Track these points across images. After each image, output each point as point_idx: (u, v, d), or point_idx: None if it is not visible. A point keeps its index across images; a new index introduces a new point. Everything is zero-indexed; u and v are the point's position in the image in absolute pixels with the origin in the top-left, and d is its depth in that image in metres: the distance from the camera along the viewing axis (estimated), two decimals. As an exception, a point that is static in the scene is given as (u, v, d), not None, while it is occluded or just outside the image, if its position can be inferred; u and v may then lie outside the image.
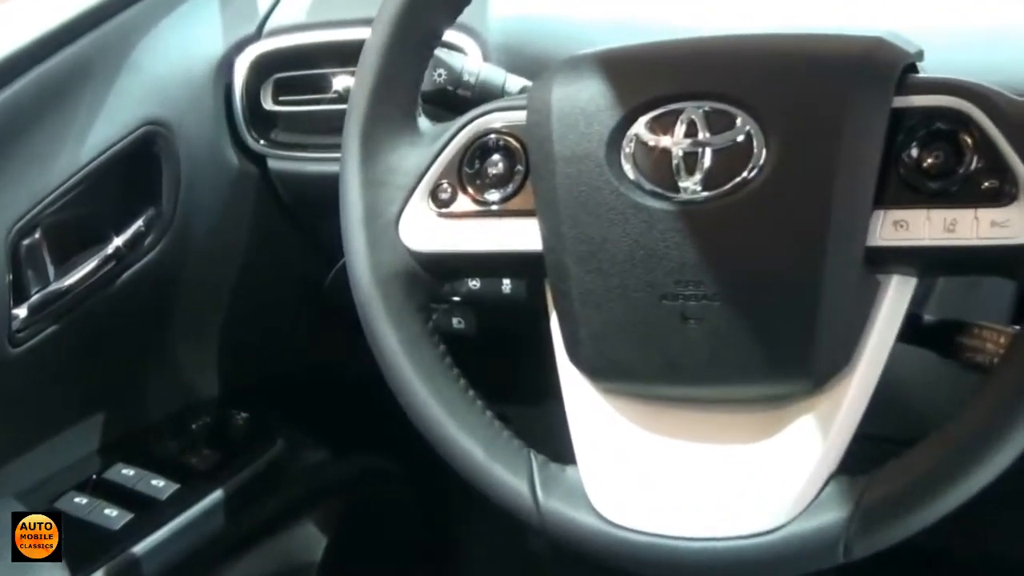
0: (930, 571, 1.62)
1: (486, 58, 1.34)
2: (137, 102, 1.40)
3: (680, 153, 0.94)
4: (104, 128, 1.36)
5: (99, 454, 1.54)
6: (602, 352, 0.99)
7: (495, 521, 1.07)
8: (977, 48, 1.16)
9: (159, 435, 1.59)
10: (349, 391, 1.56)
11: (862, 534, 0.91)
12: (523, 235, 1.02)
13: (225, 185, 1.51)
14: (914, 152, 0.92)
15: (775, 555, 0.93)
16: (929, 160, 0.91)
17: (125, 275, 1.42)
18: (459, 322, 1.36)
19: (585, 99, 0.98)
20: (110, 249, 1.41)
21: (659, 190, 0.95)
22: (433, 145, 1.05)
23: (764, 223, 0.92)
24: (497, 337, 1.33)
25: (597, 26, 1.34)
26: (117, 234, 1.42)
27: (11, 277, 1.30)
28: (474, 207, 1.04)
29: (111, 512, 1.44)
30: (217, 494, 1.50)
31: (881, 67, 0.93)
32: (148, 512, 1.46)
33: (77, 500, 1.45)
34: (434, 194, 1.05)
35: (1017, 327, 0.93)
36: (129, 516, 1.44)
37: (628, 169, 0.96)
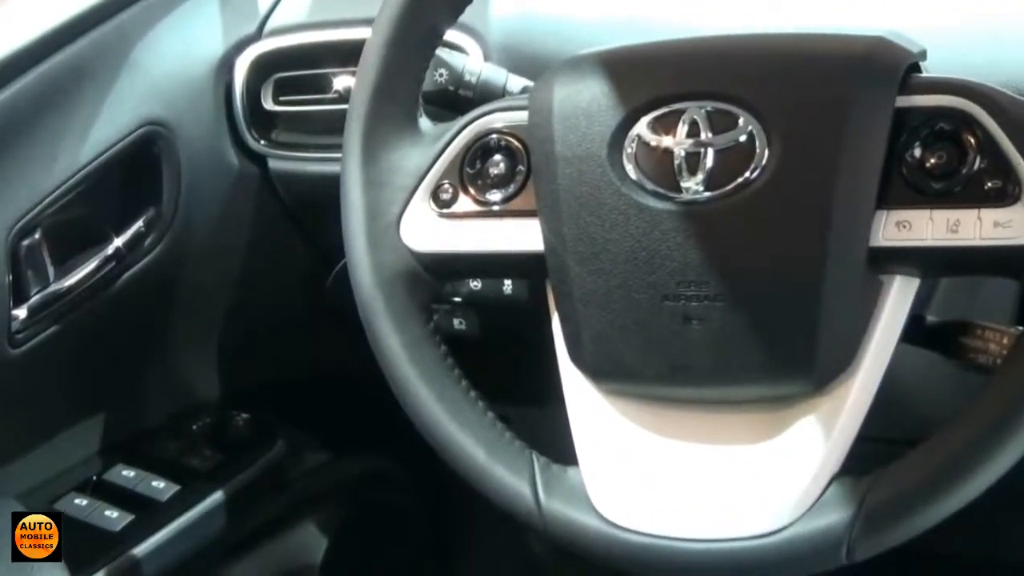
0: (933, 573, 1.62)
1: (487, 58, 1.33)
2: (137, 102, 1.40)
3: (682, 153, 0.94)
4: (104, 128, 1.36)
5: (99, 455, 1.54)
6: (604, 353, 0.99)
7: (497, 523, 1.07)
8: (981, 47, 1.15)
9: (160, 436, 1.59)
10: (350, 392, 1.56)
11: (865, 535, 0.91)
12: (525, 236, 1.01)
13: (225, 185, 1.51)
14: (917, 152, 0.91)
15: (778, 556, 0.93)
16: (932, 160, 0.91)
17: (125, 276, 1.42)
18: (460, 323, 1.36)
19: (587, 99, 0.98)
20: (110, 250, 1.40)
21: (661, 190, 0.95)
22: (434, 145, 1.05)
23: (766, 223, 0.92)
24: (499, 338, 1.33)
25: (599, 26, 1.33)
26: (117, 235, 1.41)
27: (11, 278, 1.30)
28: (475, 207, 1.04)
29: (111, 513, 1.43)
30: (218, 495, 1.50)
31: (884, 67, 0.92)
32: (149, 513, 1.45)
33: (77, 501, 1.45)
34: (435, 194, 1.05)
35: (1020, 328, 0.93)
36: (130, 517, 1.44)
37: (630, 169, 0.96)
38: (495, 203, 1.04)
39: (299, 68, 1.46)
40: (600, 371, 1.00)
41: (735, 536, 0.94)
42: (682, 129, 0.95)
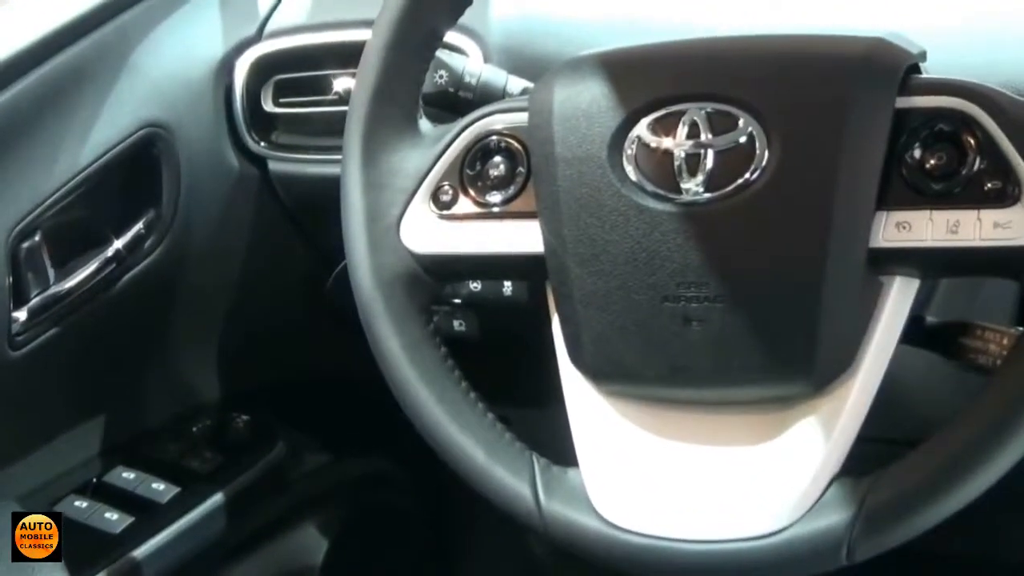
0: (933, 573, 1.62)
1: (487, 59, 1.33)
2: (137, 104, 1.40)
3: (682, 154, 0.94)
4: (104, 130, 1.36)
5: (99, 457, 1.53)
6: (604, 354, 0.99)
7: (497, 524, 1.07)
8: (980, 48, 1.15)
9: (160, 438, 1.59)
10: (350, 394, 1.56)
11: (865, 536, 0.91)
12: (525, 237, 1.02)
13: (225, 187, 1.51)
14: (917, 153, 0.91)
15: (778, 557, 0.93)
16: (932, 161, 0.91)
17: (125, 278, 1.42)
18: (461, 324, 1.36)
19: (587, 101, 0.98)
20: (110, 252, 1.40)
21: (661, 192, 0.95)
22: (434, 147, 1.05)
23: (766, 225, 0.92)
24: (499, 339, 1.33)
25: (599, 27, 1.33)
26: (117, 237, 1.41)
27: (11, 280, 1.30)
28: (475, 209, 1.04)
29: (112, 516, 1.43)
30: (218, 497, 1.50)
31: (883, 68, 0.93)
32: (149, 516, 1.45)
33: (77, 503, 1.45)
34: (435, 196, 1.05)
35: (1020, 328, 0.93)
36: (130, 520, 1.43)
37: (630, 171, 0.96)
38: (495, 205, 1.04)
39: (299, 70, 1.46)
40: (600, 372, 1.00)
41: (735, 537, 0.94)
42: (682, 130, 0.95)
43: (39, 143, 1.31)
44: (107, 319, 1.42)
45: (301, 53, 1.46)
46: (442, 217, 1.04)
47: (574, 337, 1.00)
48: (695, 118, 0.94)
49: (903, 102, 0.92)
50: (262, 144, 1.48)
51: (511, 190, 1.03)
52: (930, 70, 0.97)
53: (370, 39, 1.06)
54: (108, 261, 1.40)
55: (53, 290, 1.35)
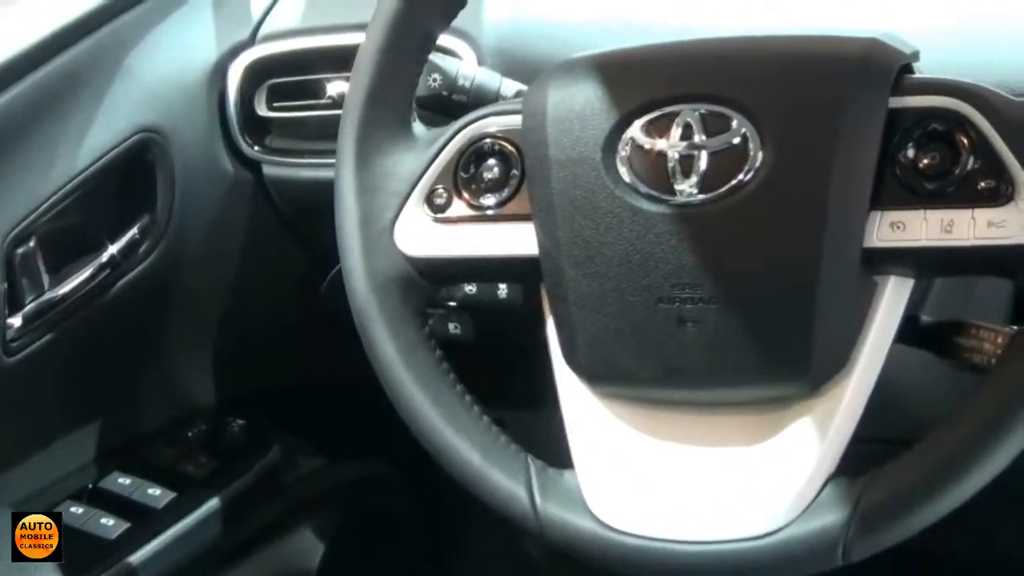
0: (929, 573, 1.62)
1: (481, 62, 1.33)
2: (131, 109, 1.40)
3: (676, 156, 0.94)
4: (98, 135, 1.36)
5: (95, 463, 1.53)
6: (599, 356, 0.99)
7: (493, 526, 1.07)
8: (974, 48, 1.15)
9: (155, 443, 1.58)
10: (346, 397, 1.56)
11: (861, 536, 0.91)
12: (519, 240, 1.02)
13: (220, 192, 1.51)
14: (910, 153, 0.91)
15: (773, 558, 0.93)
16: (925, 161, 0.91)
17: (120, 283, 1.42)
18: (456, 327, 1.36)
19: (580, 103, 0.98)
20: (105, 257, 1.40)
21: (655, 193, 0.95)
22: (428, 150, 1.05)
23: (760, 225, 0.92)
24: (494, 342, 1.33)
25: (592, 29, 1.33)
26: (112, 242, 1.41)
27: (6, 286, 1.30)
28: (470, 212, 1.04)
29: (107, 521, 1.43)
30: (214, 502, 1.50)
31: (876, 68, 0.93)
32: (145, 521, 1.45)
33: (73, 509, 1.44)
34: (429, 199, 1.05)
35: (1015, 327, 0.93)
36: (126, 525, 1.43)
37: (624, 172, 0.96)
38: (489, 207, 1.04)
39: (293, 74, 1.46)
40: (595, 374, 1.00)
41: (731, 538, 0.94)
42: (676, 132, 0.95)
43: (34, 148, 1.31)
44: (102, 324, 1.41)
45: (295, 57, 1.46)
46: (436, 220, 1.04)
47: (569, 339, 1.00)
48: (689, 119, 0.94)
49: (896, 102, 0.92)
50: (256, 148, 1.49)
51: (505, 193, 1.03)
52: (924, 70, 0.97)
53: (363, 43, 1.06)
54: (103, 266, 1.40)
55: (48, 296, 1.35)
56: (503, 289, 1.30)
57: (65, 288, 1.37)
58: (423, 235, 1.04)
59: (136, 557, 1.41)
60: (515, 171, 1.03)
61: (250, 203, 1.53)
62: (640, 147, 0.96)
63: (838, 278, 0.91)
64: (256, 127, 1.48)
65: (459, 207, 1.04)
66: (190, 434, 1.61)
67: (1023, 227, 0.88)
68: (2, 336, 1.31)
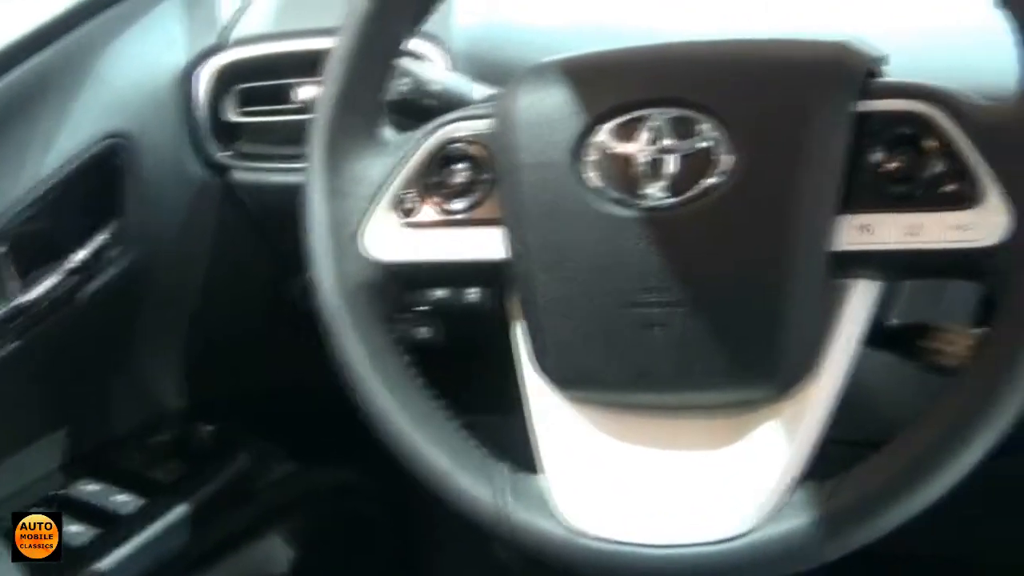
0: (898, 573, 1.62)
1: (451, 67, 1.33)
2: (99, 114, 1.39)
3: (645, 160, 0.94)
4: (67, 140, 1.36)
5: (64, 469, 1.52)
6: (568, 360, 0.99)
7: (463, 531, 1.07)
8: (943, 51, 1.16)
9: (124, 449, 1.58)
10: (317, 403, 1.55)
11: (830, 538, 0.91)
12: (489, 244, 1.01)
13: (189, 197, 1.51)
14: (878, 156, 0.92)
15: (743, 560, 0.93)
16: (893, 164, 0.91)
17: (89, 288, 1.41)
18: (425, 332, 1.36)
19: (550, 107, 0.98)
20: (74, 263, 1.40)
21: (624, 197, 0.95)
22: (397, 155, 1.05)
23: (728, 229, 0.92)
24: (464, 346, 1.33)
25: (562, 33, 1.34)
26: (81, 247, 1.41)
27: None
28: (439, 216, 1.04)
29: (75, 528, 1.43)
30: (182, 508, 1.50)
31: (843, 72, 0.93)
32: (113, 527, 1.45)
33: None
34: (399, 204, 1.05)
35: (981, 329, 0.93)
36: (94, 532, 1.43)
37: (593, 176, 0.96)
38: (459, 212, 1.03)
39: (262, 79, 1.46)
40: (564, 378, 1.00)
41: (700, 541, 0.94)
42: (645, 136, 0.95)
43: (2, 153, 1.31)
44: (71, 330, 1.41)
45: (264, 62, 1.46)
46: (405, 225, 1.04)
47: (539, 343, 1.00)
48: (658, 123, 0.94)
49: (864, 106, 0.92)
50: (225, 153, 1.49)
51: (475, 197, 1.03)
52: (894, 72, 0.97)
53: (333, 48, 1.06)
54: (72, 272, 1.39)
55: (17, 303, 1.34)
56: (472, 293, 1.30)
57: (34, 294, 1.36)
58: (392, 240, 1.04)
59: (104, 564, 1.41)
60: (485, 175, 1.03)
61: (219, 208, 1.53)
62: (609, 151, 0.96)
63: (806, 281, 0.91)
64: (225, 132, 1.48)
65: (428, 212, 1.04)
66: (159, 440, 1.61)
67: (990, 230, 0.88)
68: (-30, 342, 1.30)
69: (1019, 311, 0.87)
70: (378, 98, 1.07)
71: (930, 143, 0.90)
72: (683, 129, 0.94)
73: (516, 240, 0.99)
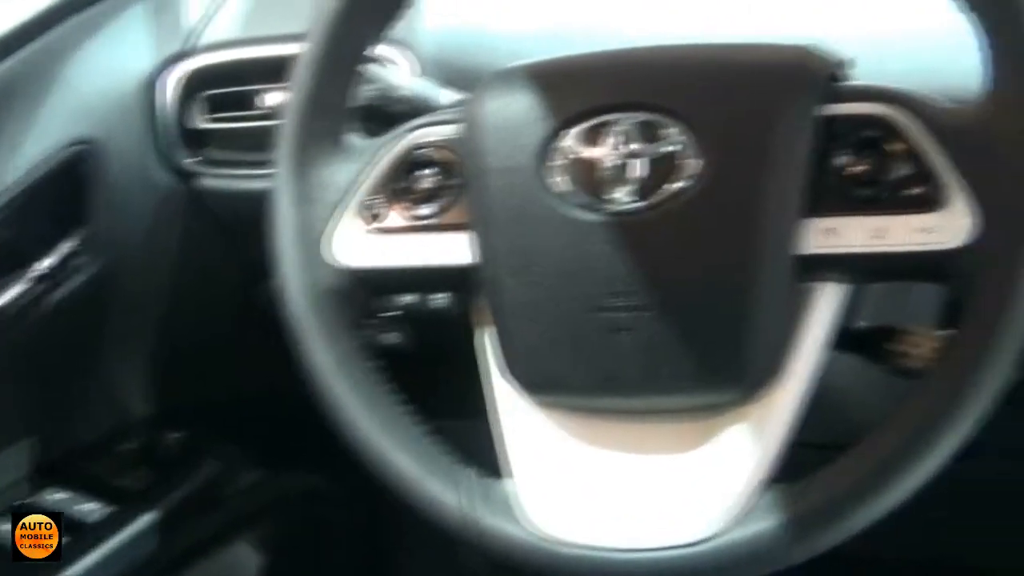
0: (865, 575, 1.63)
1: (418, 72, 1.33)
2: (65, 121, 1.39)
3: (612, 164, 0.95)
4: (32, 147, 1.35)
5: (31, 477, 1.52)
6: (535, 365, 0.99)
7: (431, 537, 1.07)
8: (908, 54, 1.16)
9: (91, 457, 1.57)
10: (285, 409, 1.55)
11: (797, 541, 0.91)
12: (456, 249, 1.01)
13: (156, 204, 1.50)
14: (843, 160, 0.92)
15: (712, 563, 0.93)
16: (858, 167, 0.92)
17: (56, 296, 1.41)
18: (393, 337, 1.35)
19: (517, 111, 0.98)
20: (40, 270, 1.39)
21: (591, 201, 0.95)
22: (364, 160, 1.05)
23: (695, 233, 0.93)
24: (431, 352, 1.33)
25: (530, 38, 1.34)
26: (47, 255, 1.40)
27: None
28: (407, 222, 1.04)
29: (42, 536, 1.42)
30: (150, 516, 1.49)
31: (808, 76, 0.93)
32: (80, 535, 1.44)
33: (5, 526, 1.43)
34: (366, 209, 1.04)
35: (947, 331, 0.93)
36: (60, 540, 1.42)
37: (560, 181, 0.96)
38: (426, 217, 1.03)
39: (229, 85, 1.46)
40: (531, 383, 1.00)
41: (669, 544, 0.94)
42: (611, 140, 0.95)
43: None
44: (37, 338, 1.40)
45: (231, 68, 1.46)
46: (373, 230, 1.04)
47: (507, 348, 1.00)
48: (624, 127, 0.95)
49: (828, 109, 0.92)
50: (192, 160, 1.48)
51: (442, 202, 1.03)
52: (858, 77, 0.98)
53: (300, 53, 1.06)
54: (38, 280, 1.39)
55: (-18, 309, 1.34)
56: (440, 299, 1.30)
57: (0, 301, 1.35)
58: (360, 245, 1.04)
59: (71, 572, 1.40)
60: (452, 181, 1.03)
61: (186, 215, 1.52)
62: (576, 155, 0.96)
63: (772, 285, 0.91)
64: (192, 139, 1.48)
65: (396, 217, 1.04)
66: (126, 447, 1.60)
67: (955, 233, 0.88)
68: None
69: (984, 313, 0.88)
70: (345, 104, 1.07)
71: (895, 146, 0.91)
72: (649, 133, 0.94)
73: (483, 245, 0.99)
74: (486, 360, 1.03)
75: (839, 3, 1.25)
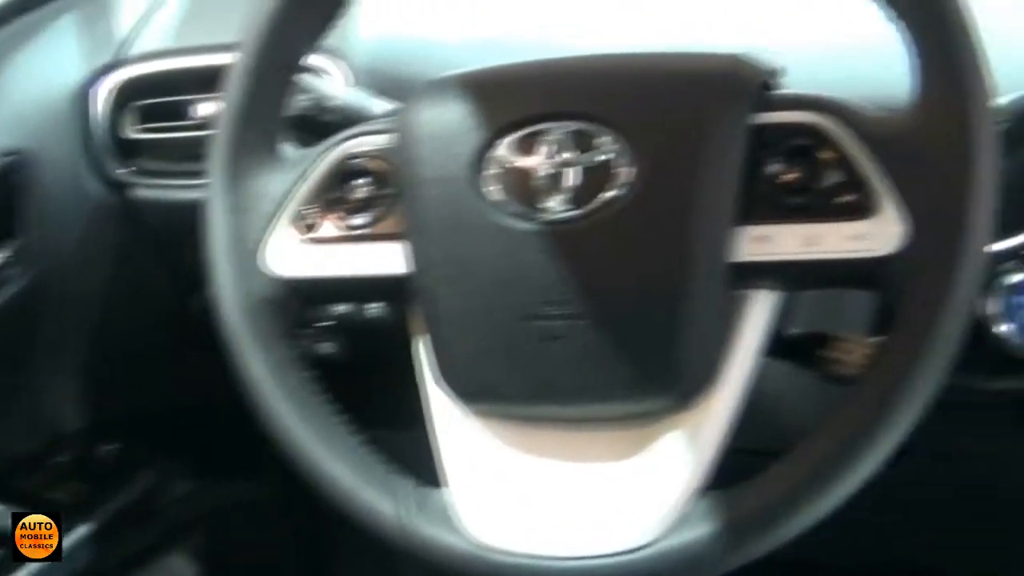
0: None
1: (352, 81, 1.33)
2: (-4, 131, 1.38)
3: (545, 173, 0.95)
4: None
5: (-39, 491, 1.51)
6: (470, 374, 0.99)
7: (368, 547, 1.07)
8: (838, 63, 1.17)
9: (25, 470, 1.56)
10: (219, 420, 1.54)
11: (732, 547, 0.91)
12: (390, 259, 1.01)
13: (88, 215, 1.49)
14: (775, 168, 0.93)
15: (647, 570, 0.93)
16: (790, 175, 0.92)
17: (-13, 308, 1.40)
18: (328, 347, 1.35)
19: (450, 121, 0.98)
20: (-30, 282, 1.38)
21: (524, 211, 0.95)
22: (298, 170, 1.05)
23: (628, 242, 0.93)
24: (366, 361, 1.32)
25: (463, 47, 1.34)
26: (-23, 267, 1.39)
27: None
28: (341, 232, 1.04)
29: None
30: (84, 529, 1.48)
31: (738, 85, 0.94)
32: (11, 549, 1.43)
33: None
34: (300, 219, 1.04)
35: (879, 338, 0.94)
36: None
37: (494, 190, 0.96)
38: (360, 227, 1.03)
39: (161, 95, 1.45)
40: (467, 392, 1.00)
41: (604, 552, 0.94)
42: (545, 149, 0.95)
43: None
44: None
45: (163, 78, 1.45)
46: (307, 240, 1.04)
47: (442, 357, 1.00)
48: (558, 136, 0.95)
49: (760, 118, 0.93)
50: (125, 170, 1.47)
51: (376, 212, 1.03)
52: (789, 86, 0.98)
53: (233, 64, 1.05)
54: (-31, 292, 1.38)
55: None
56: (375, 308, 1.30)
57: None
58: (293, 255, 1.04)
59: (2, 586, 1.39)
60: (386, 190, 1.02)
61: (118, 225, 1.51)
62: (509, 165, 0.96)
63: (705, 292, 0.92)
64: (125, 149, 1.47)
65: (330, 227, 1.04)
66: (59, 460, 1.59)
67: (886, 240, 0.89)
68: None
69: (914, 320, 0.88)
70: (278, 114, 1.07)
71: (826, 154, 0.92)
72: (583, 142, 0.94)
73: (417, 254, 0.99)
74: (422, 369, 1.03)
75: (770, 12, 1.26)
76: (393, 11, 1.42)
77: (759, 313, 0.95)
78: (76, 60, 1.47)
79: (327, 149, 1.04)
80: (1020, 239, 1.12)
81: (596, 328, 0.93)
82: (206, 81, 1.37)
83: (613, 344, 0.93)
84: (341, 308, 1.31)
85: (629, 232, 0.93)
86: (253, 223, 1.04)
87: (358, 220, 1.03)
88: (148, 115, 1.46)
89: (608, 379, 0.94)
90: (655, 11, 1.31)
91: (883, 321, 0.93)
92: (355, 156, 1.04)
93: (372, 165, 1.03)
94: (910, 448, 0.90)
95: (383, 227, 1.02)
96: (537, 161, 0.95)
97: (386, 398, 1.25)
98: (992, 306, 1.12)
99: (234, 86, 1.05)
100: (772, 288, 0.95)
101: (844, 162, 0.91)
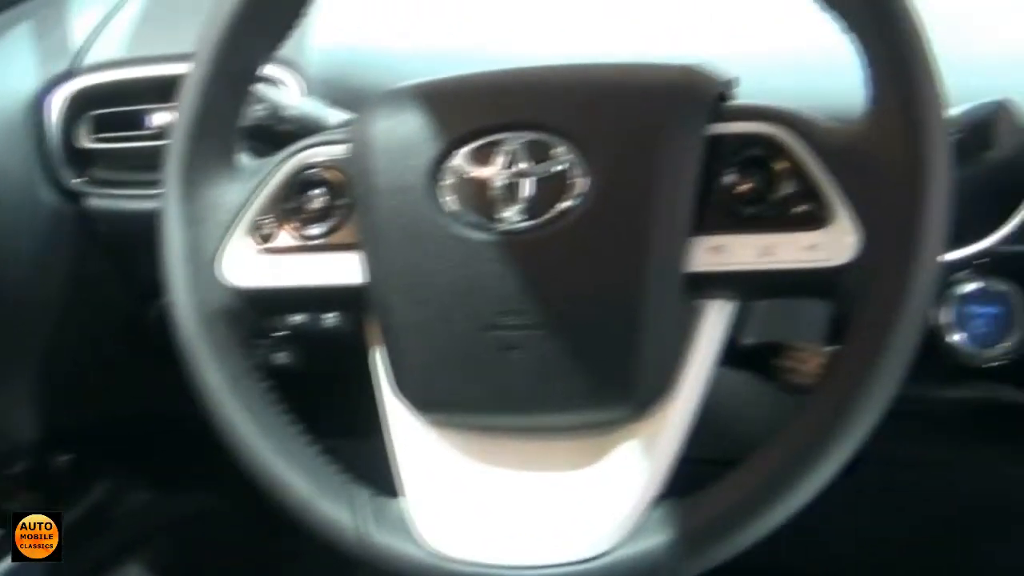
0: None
1: (307, 92, 1.33)
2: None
3: (501, 184, 0.95)
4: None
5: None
6: (427, 384, 0.99)
7: (326, 558, 1.06)
8: (792, 74, 1.18)
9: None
10: (176, 430, 1.54)
11: (688, 555, 0.92)
12: (346, 269, 1.01)
13: (42, 225, 1.48)
14: (729, 178, 0.93)
15: None
16: (745, 186, 0.93)
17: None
18: (284, 357, 1.35)
19: (406, 131, 0.98)
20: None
21: (481, 221, 0.95)
22: (253, 181, 1.04)
23: (584, 252, 0.93)
24: (323, 371, 1.32)
25: (419, 58, 1.34)
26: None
27: None
28: (297, 242, 1.03)
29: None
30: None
31: (694, 95, 0.94)
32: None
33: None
34: (256, 230, 1.04)
35: (833, 347, 0.95)
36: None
37: (449, 201, 0.96)
38: (316, 237, 1.03)
39: (116, 105, 1.44)
40: (424, 402, 1.00)
41: (560, 562, 0.94)
42: (501, 159, 0.95)
43: None
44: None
45: (118, 88, 1.44)
46: (263, 251, 1.04)
47: (398, 367, 1.00)
48: (513, 147, 0.95)
49: (715, 128, 0.93)
50: (79, 180, 1.47)
51: (332, 222, 1.03)
52: (744, 96, 0.99)
53: (188, 73, 1.05)
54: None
55: None
56: (331, 318, 1.30)
57: None
58: (249, 266, 1.04)
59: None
60: (342, 201, 1.02)
61: (74, 236, 1.51)
62: (465, 175, 0.96)
63: (661, 302, 0.92)
64: (79, 159, 1.46)
65: (285, 237, 1.03)
66: (14, 471, 1.58)
67: (840, 250, 0.90)
68: None
69: (868, 329, 0.89)
70: (234, 124, 1.06)
71: (780, 164, 0.92)
72: (538, 152, 0.94)
73: (373, 265, 0.99)
74: (378, 379, 1.03)
75: (724, 23, 1.27)
76: (348, 21, 1.42)
77: (714, 323, 0.95)
78: (30, 69, 1.46)
79: (283, 159, 1.04)
80: (973, 249, 1.14)
81: (552, 338, 0.93)
82: (161, 91, 1.37)
83: (570, 354, 0.93)
84: (298, 318, 1.31)
85: (585, 242, 0.93)
86: (209, 233, 1.04)
87: (314, 230, 1.03)
88: (103, 125, 1.45)
89: (565, 389, 0.94)
90: (610, 22, 1.31)
91: (838, 330, 0.93)
92: (311, 166, 1.03)
93: (328, 175, 1.03)
94: (864, 456, 0.91)
95: (339, 237, 1.02)
96: (493, 171, 0.95)
97: (343, 408, 1.25)
98: (945, 316, 1.14)
99: (189, 96, 1.04)
100: (727, 298, 0.96)
101: (798, 172, 0.91)
